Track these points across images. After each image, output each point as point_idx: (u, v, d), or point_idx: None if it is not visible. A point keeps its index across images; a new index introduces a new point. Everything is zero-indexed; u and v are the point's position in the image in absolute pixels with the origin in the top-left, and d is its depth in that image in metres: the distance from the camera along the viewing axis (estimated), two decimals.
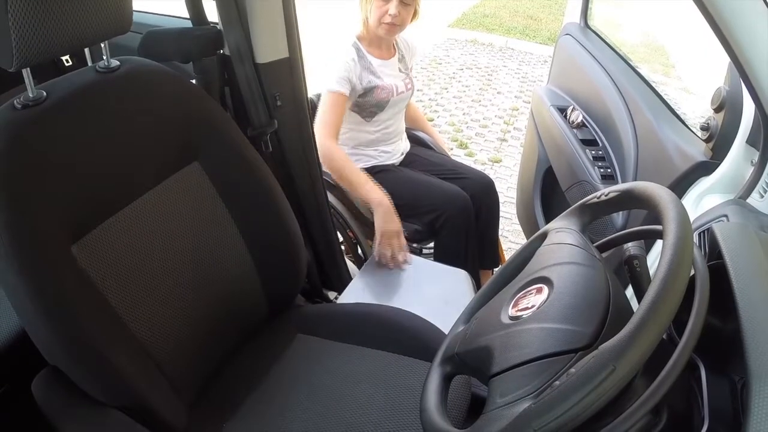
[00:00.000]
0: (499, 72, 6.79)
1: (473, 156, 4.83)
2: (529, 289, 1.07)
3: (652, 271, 0.98)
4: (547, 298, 1.00)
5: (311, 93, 2.19)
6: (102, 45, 1.41)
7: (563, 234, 1.16)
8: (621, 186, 1.12)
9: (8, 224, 1.15)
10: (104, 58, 1.44)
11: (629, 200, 1.10)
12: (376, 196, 2.37)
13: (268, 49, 1.82)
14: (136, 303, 1.40)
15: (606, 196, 1.15)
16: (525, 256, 1.23)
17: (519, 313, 1.02)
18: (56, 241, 1.23)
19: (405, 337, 1.69)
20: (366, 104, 2.60)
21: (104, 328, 1.27)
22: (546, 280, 1.04)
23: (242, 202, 1.63)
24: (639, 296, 1.10)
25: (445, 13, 8.75)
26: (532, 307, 1.01)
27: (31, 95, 1.28)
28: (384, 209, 2.36)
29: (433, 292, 2.32)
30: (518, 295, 1.07)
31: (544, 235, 1.21)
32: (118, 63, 1.46)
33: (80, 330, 1.21)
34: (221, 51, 1.85)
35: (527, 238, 3.10)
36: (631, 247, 1.10)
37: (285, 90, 1.94)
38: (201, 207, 1.58)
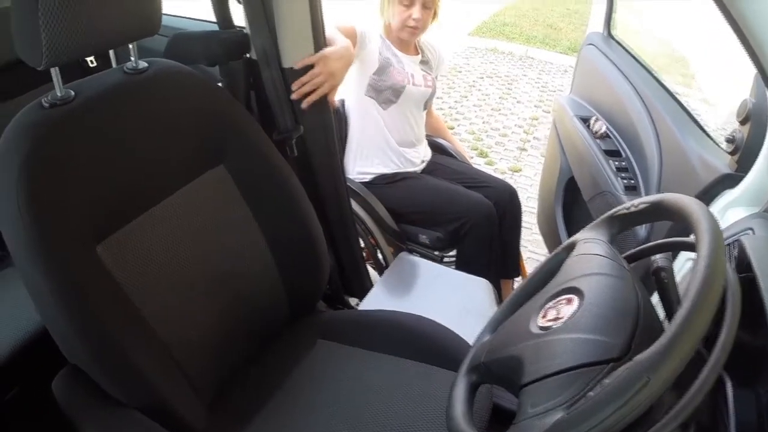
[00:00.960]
0: (519, 81, 6.75)
1: (493, 165, 4.81)
2: (558, 299, 1.05)
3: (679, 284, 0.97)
4: (578, 308, 0.99)
5: (336, 98, 2.18)
6: (130, 46, 1.42)
7: (592, 244, 1.15)
8: (651, 198, 1.11)
9: (33, 223, 1.15)
10: (132, 59, 1.44)
11: (659, 212, 1.08)
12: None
13: (294, 53, 1.82)
14: (159, 303, 1.40)
15: (635, 207, 1.14)
16: (551, 266, 1.22)
17: (549, 323, 1.01)
18: (81, 241, 1.23)
19: (427, 345, 1.68)
20: (381, 86, 2.61)
21: (127, 327, 1.27)
22: (576, 291, 1.03)
23: (266, 205, 1.63)
24: (666, 307, 1.09)
25: (465, 21, 8.73)
26: (563, 317, 1.00)
27: (59, 94, 1.28)
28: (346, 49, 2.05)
29: (454, 301, 2.31)
30: (547, 306, 1.06)
31: (572, 246, 1.20)
32: (146, 64, 1.46)
33: (103, 329, 1.21)
34: (247, 55, 1.85)
35: (548, 248, 3.11)
36: (658, 259, 1.10)
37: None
38: (225, 210, 1.58)
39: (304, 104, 1.87)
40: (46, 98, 1.28)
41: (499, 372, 1.08)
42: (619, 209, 1.19)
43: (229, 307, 1.58)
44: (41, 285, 1.17)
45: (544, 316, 1.05)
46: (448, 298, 2.33)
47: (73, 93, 1.31)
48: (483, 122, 5.61)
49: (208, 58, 1.81)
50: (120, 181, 1.34)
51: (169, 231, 1.45)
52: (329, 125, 2.01)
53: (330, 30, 1.99)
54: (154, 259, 1.41)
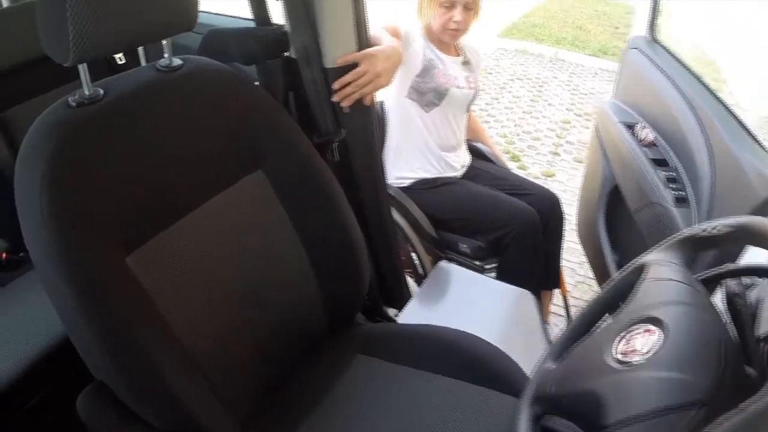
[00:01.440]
0: (550, 83, 6.66)
1: (526, 169, 4.72)
2: (636, 329, 0.97)
3: None
4: (661, 342, 0.90)
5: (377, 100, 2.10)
6: (164, 42, 1.35)
7: (666, 269, 1.06)
8: (734, 220, 1.02)
9: (58, 231, 1.09)
10: (165, 55, 1.36)
11: (744, 236, 1.00)
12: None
13: (337, 52, 1.72)
14: (191, 316, 1.33)
15: (715, 230, 1.06)
16: (620, 289, 1.13)
17: (628, 358, 0.93)
18: (110, 250, 1.17)
19: (472, 363, 1.59)
20: (424, 88, 2.53)
21: (156, 343, 1.20)
22: (656, 321, 0.94)
23: (306, 211, 1.56)
24: (741, 335, 1.01)
25: (494, 22, 8.63)
26: (643, 351, 0.91)
27: (87, 92, 1.22)
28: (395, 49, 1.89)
29: (497, 313, 2.23)
30: (624, 335, 0.97)
31: (642, 268, 1.12)
32: (180, 62, 1.39)
33: (131, 343, 1.15)
34: (286, 53, 1.77)
35: (588, 258, 3.03)
36: (732, 284, 1.03)
37: None
38: (262, 216, 1.51)
39: (345, 104, 1.77)
40: (73, 97, 1.21)
41: (572, 407, 1.00)
42: (694, 231, 1.10)
43: (265, 320, 1.52)
44: (64, 294, 1.10)
45: (621, 348, 0.96)
46: (490, 310, 2.24)
47: (102, 91, 1.24)
48: (515, 125, 5.53)
49: (245, 56, 1.73)
50: (153, 187, 1.28)
51: (203, 239, 1.38)
52: (372, 128, 1.92)
53: (375, 29, 1.89)
54: (186, 269, 1.34)
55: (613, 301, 1.13)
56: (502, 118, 5.63)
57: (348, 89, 1.75)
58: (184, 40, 1.48)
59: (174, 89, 1.36)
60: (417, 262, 2.64)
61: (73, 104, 1.20)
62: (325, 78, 1.75)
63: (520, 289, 2.36)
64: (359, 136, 1.89)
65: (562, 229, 2.76)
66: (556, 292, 2.89)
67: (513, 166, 4.71)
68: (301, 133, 1.57)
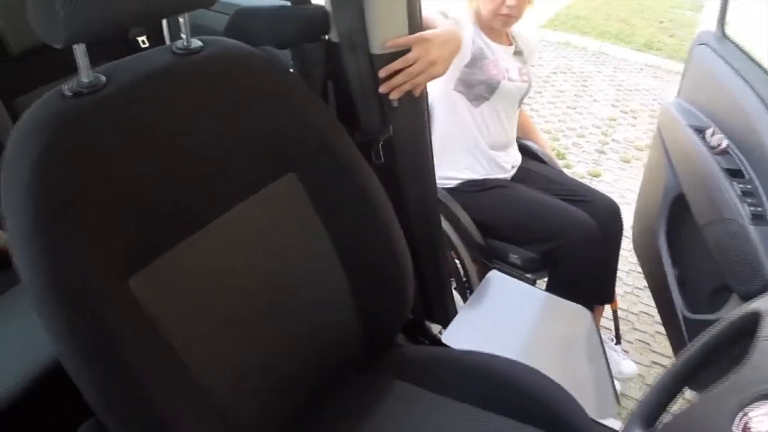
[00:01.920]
0: (594, 78, 6.47)
1: (571, 168, 4.54)
2: (761, 405, 0.79)
3: None
4: None
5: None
6: (180, 20, 1.19)
7: None
8: None
9: (46, 247, 0.95)
10: (183, 36, 1.19)
11: None
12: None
13: (386, 35, 1.52)
14: (206, 343, 1.17)
15: None
16: (723, 340, 0.96)
17: None
18: (110, 270, 1.01)
19: (528, 401, 1.41)
20: (473, 80, 2.35)
21: (163, 377, 1.05)
22: None
23: (344, 220, 1.40)
24: None
25: (537, 13, 8.42)
26: None
27: (85, 80, 1.05)
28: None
29: (549, 332, 2.04)
30: (749, 410, 0.80)
31: (756, 319, 0.91)
32: (200, 44, 1.23)
33: (131, 376, 0.99)
34: (327, 36, 1.59)
35: (644, 271, 2.83)
36: None
37: None
38: (294, 226, 1.36)
39: (393, 95, 1.56)
40: (69, 85, 1.05)
41: None
42: None
43: (293, 347, 1.36)
44: (55, 318, 0.96)
45: (746, 426, 0.79)
46: (543, 328, 2.06)
47: (103, 78, 1.08)
48: (559, 120, 5.36)
49: (279, 39, 1.57)
50: (163, 194, 1.12)
51: (222, 257, 1.22)
52: (423, 126, 1.72)
53: (428, 11, 1.68)
54: (201, 292, 1.18)
55: (714, 353, 0.97)
56: (546, 113, 5.48)
57: (397, 78, 1.53)
58: (208, 21, 1.38)
59: (191, 75, 1.20)
60: (461, 269, 2.45)
61: (69, 94, 1.04)
62: (371, 65, 1.55)
63: (575, 305, 2.17)
64: (408, 135, 1.69)
65: (620, 241, 2.57)
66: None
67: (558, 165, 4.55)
68: (342, 130, 1.41)
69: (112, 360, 0.97)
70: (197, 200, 1.18)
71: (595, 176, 4.50)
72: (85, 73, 1.05)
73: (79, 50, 1.02)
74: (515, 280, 2.30)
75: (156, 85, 1.14)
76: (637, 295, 3.38)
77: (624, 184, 4.33)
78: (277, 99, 1.30)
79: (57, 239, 0.95)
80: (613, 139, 5.11)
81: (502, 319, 2.08)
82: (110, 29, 1.02)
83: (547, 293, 2.27)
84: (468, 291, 2.39)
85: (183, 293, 1.14)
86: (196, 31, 1.23)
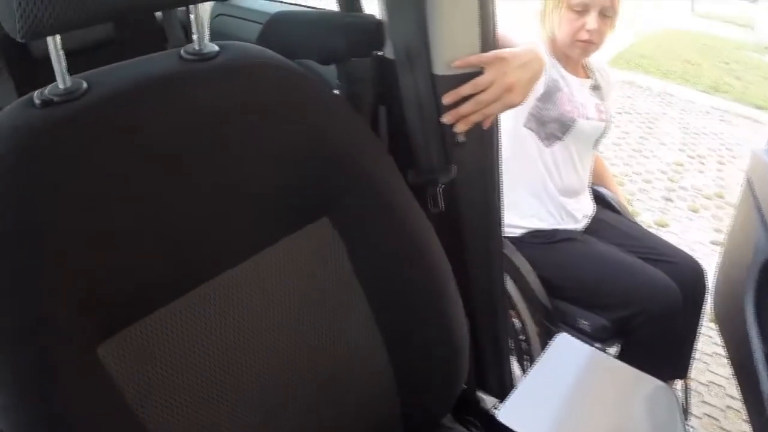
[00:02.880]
0: (660, 120, 6.27)
1: (638, 216, 4.29)
2: None
3: None
4: None
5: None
6: (191, 16, 0.99)
7: None
8: None
9: None
10: (194, 37, 0.98)
11: None
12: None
13: (454, 53, 1.27)
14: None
15: None
16: None
17: None
18: (74, 335, 0.80)
19: None
20: (546, 116, 2.11)
21: None
22: None
23: (388, 281, 1.16)
24: None
25: (599, 51, 8.32)
26: None
27: (61, 86, 0.85)
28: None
29: (626, 413, 1.73)
30: None
31: None
32: (216, 48, 1.01)
33: None
34: (380, 52, 1.35)
35: (725, 341, 2.54)
36: None
37: None
38: (323, 287, 1.11)
39: (459, 127, 1.29)
40: (41, 92, 0.85)
41: None
42: None
43: None
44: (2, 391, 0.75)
45: None
46: (618, 407, 1.75)
47: (85, 85, 0.87)
48: (624, 164, 5.16)
49: (322, 52, 1.34)
50: (155, 238, 0.89)
51: (225, 322, 0.98)
52: (494, 168, 1.44)
53: (503, 29, 1.40)
54: (199, 366, 0.94)
55: None
56: (610, 155, 5.27)
57: (466, 107, 1.25)
58: (237, 30, 1.22)
59: (201, 86, 0.97)
60: (520, 331, 2.20)
61: (38, 102, 0.84)
62: (433, 88, 1.29)
63: (655, 381, 1.87)
64: (475, 178, 1.42)
65: (703, 309, 2.29)
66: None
67: None
68: (393, 168, 1.18)
69: None
70: (198, 251, 0.94)
71: (662, 226, 4.29)
72: (61, 77, 0.85)
73: (52, 45, 0.82)
74: (587, 346, 2.01)
75: (151, 95, 0.91)
76: (705, 363, 3.11)
77: (693, 236, 4.11)
78: (316, 126, 1.08)
79: (6, 291, 0.76)
80: (680, 186, 4.91)
81: (568, 393, 1.81)
82: (85, 19, 0.78)
83: (624, 364, 1.99)
84: (527, 357, 2.15)
85: (165, 371, 0.90)
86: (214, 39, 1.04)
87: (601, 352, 1.98)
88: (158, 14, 2.28)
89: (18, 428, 0.78)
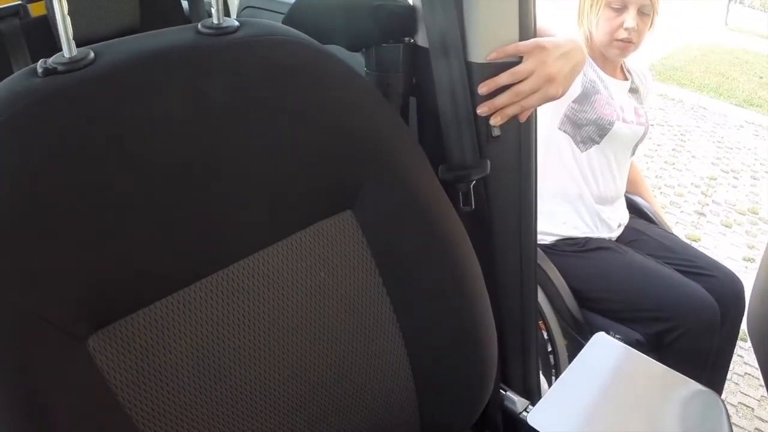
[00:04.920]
0: (693, 133, 6.18)
1: (668, 230, 4.20)
2: None
3: None
4: None
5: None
6: None
7: None
8: None
9: None
10: (212, 11, 0.90)
11: None
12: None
13: (491, 40, 1.19)
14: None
15: None
16: None
17: None
18: (63, 324, 0.73)
19: None
20: (582, 119, 2.03)
21: None
22: None
23: (414, 282, 1.07)
24: None
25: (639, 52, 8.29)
26: None
27: (66, 54, 0.78)
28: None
29: (668, 418, 1.60)
30: None
31: None
32: (236, 24, 0.93)
33: None
34: (411, 39, 1.28)
35: (758, 357, 2.43)
36: None
37: None
38: (341, 284, 1.02)
39: (495, 120, 1.21)
40: (44, 61, 0.79)
41: None
42: None
43: None
44: None
45: None
46: (664, 412, 1.64)
47: (92, 55, 0.80)
48: (656, 176, 5.08)
49: (352, 38, 1.27)
50: (161, 221, 0.82)
51: (230, 316, 0.89)
52: (531, 165, 1.35)
53: (542, 21, 1.32)
54: (200, 364, 0.86)
55: None
56: (642, 167, 5.17)
57: (503, 98, 1.17)
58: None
59: (219, 60, 0.89)
60: (548, 347, 2.09)
61: (40, 71, 0.78)
62: (468, 77, 1.21)
63: (700, 387, 1.76)
64: (510, 175, 1.33)
65: (740, 326, 2.17)
66: None
67: None
68: (424, 161, 1.09)
69: None
70: (207, 238, 0.87)
71: (694, 240, 4.19)
72: (66, 45, 0.78)
73: (58, 9, 0.75)
74: (627, 347, 1.91)
75: (161, 66, 0.84)
76: (736, 383, 3.01)
77: (725, 252, 4.01)
78: (342, 113, 1.00)
79: None
80: (713, 201, 4.82)
81: (609, 395, 1.69)
82: None
83: (667, 368, 1.89)
84: (554, 370, 2.05)
85: (166, 369, 0.83)
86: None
87: (642, 354, 1.88)
88: (185, 4, 2.23)
89: None
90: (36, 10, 1.97)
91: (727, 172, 5.27)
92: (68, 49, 0.78)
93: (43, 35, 1.87)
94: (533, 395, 1.70)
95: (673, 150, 5.67)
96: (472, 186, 1.28)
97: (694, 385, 1.68)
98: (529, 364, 1.71)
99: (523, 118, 1.24)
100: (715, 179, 5.15)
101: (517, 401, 1.57)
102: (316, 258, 0.99)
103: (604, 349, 1.71)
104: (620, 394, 1.64)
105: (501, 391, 1.59)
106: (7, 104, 0.75)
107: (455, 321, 1.10)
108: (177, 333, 0.83)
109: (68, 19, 0.77)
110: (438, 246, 1.07)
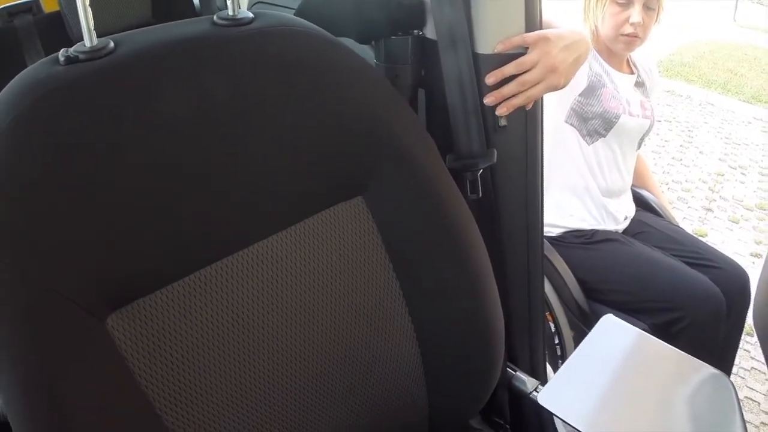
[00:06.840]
0: (700, 129, 6.17)
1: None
2: None
3: None
4: None
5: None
6: None
7: None
8: None
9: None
10: (228, 3, 0.94)
11: None
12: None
13: (498, 32, 1.23)
14: (208, 420, 0.88)
15: None
16: None
17: None
18: (82, 303, 0.76)
19: None
20: (589, 112, 2.05)
21: None
22: None
23: (424, 267, 1.09)
24: None
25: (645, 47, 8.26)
26: None
27: (87, 44, 0.81)
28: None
29: (677, 398, 1.60)
30: None
31: None
32: (251, 15, 0.96)
33: None
34: (419, 31, 1.31)
35: (764, 352, 2.44)
36: None
37: None
38: (355, 270, 1.05)
39: (501, 110, 1.24)
40: (66, 50, 0.82)
41: None
42: None
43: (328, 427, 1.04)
44: (2, 365, 0.73)
45: None
46: (673, 393, 1.63)
47: (112, 45, 0.84)
48: (663, 172, 5.09)
49: (361, 30, 1.30)
50: (179, 206, 0.85)
51: (251, 295, 0.93)
52: (537, 155, 1.38)
53: (549, 14, 1.35)
54: (214, 344, 0.89)
55: None
56: (649, 163, 5.16)
57: (509, 87, 1.20)
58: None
59: (234, 50, 0.93)
60: (555, 339, 2.11)
61: (62, 59, 0.81)
62: (475, 69, 1.24)
63: (711, 369, 1.76)
64: (517, 164, 1.36)
65: (746, 317, 2.20)
66: None
67: None
68: (433, 150, 1.12)
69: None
70: (222, 221, 0.90)
71: (701, 236, 4.17)
72: (88, 35, 0.81)
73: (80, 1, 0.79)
74: (635, 328, 1.92)
75: (179, 56, 0.88)
76: (742, 377, 3.02)
77: (732, 247, 4.02)
78: (353, 98, 1.03)
79: (13, 255, 0.73)
80: (720, 196, 4.82)
81: (618, 376, 1.70)
82: None
83: (675, 349, 1.90)
84: (560, 361, 2.06)
85: (180, 348, 0.85)
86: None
87: (650, 335, 1.89)
88: (196, 1, 2.26)
89: (11, 397, 0.75)
90: (49, 6, 1.99)
91: (735, 168, 5.27)
92: (89, 39, 0.81)
93: (57, 31, 1.89)
94: (541, 381, 1.71)
95: (680, 146, 5.67)
96: (479, 174, 1.30)
97: (702, 366, 1.69)
98: (537, 355, 1.73)
99: (528, 107, 1.27)
100: (723, 175, 5.16)
101: (527, 381, 1.57)
102: (329, 242, 1.01)
103: (612, 331, 1.72)
104: (629, 375, 1.65)
105: (509, 370, 1.60)
106: (31, 90, 0.77)
107: (464, 305, 1.12)
108: (194, 313, 0.85)
109: (89, 9, 0.80)
110: (447, 232, 1.09)
